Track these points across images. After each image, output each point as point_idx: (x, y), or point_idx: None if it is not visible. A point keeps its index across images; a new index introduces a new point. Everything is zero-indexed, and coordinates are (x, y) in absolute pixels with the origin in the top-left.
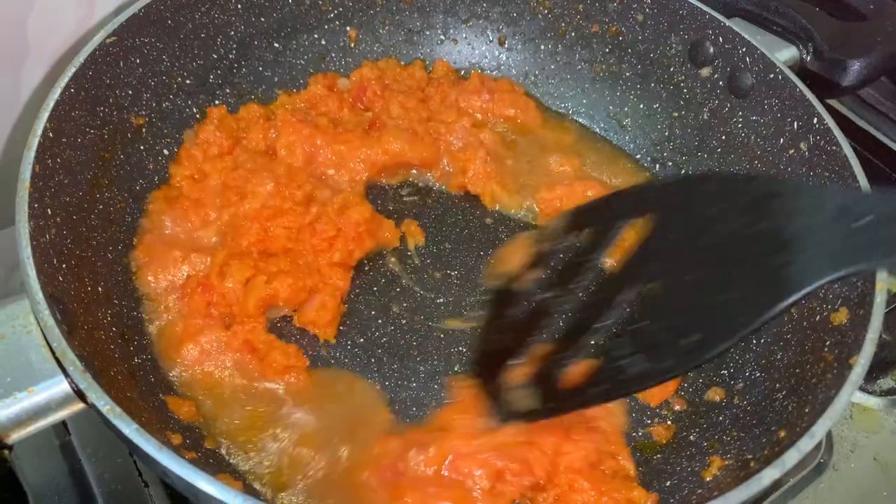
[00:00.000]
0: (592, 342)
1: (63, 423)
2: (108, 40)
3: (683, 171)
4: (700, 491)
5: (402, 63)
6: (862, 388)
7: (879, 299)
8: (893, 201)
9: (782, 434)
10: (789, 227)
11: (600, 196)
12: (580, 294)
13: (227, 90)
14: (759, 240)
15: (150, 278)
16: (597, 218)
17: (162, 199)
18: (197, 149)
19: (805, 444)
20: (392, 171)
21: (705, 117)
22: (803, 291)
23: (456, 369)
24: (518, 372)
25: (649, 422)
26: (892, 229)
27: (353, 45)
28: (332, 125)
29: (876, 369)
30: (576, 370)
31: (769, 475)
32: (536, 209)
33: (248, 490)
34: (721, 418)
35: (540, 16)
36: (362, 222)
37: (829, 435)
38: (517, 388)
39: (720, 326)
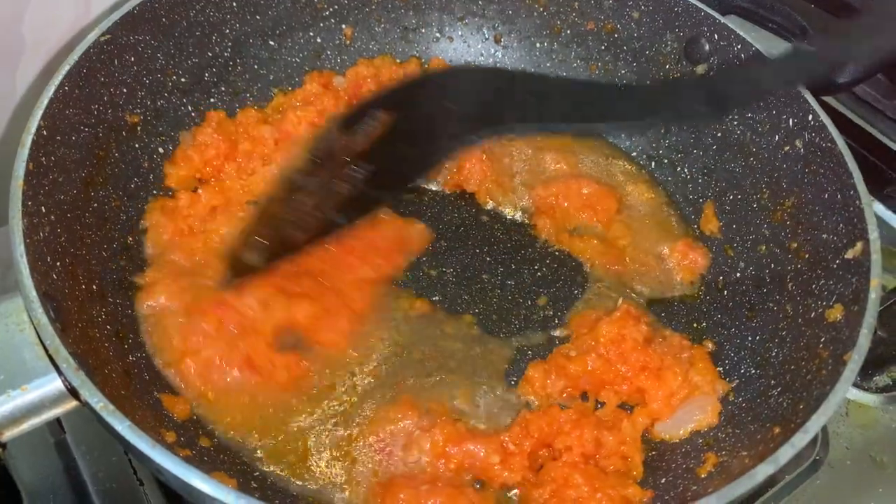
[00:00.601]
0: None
1: (58, 422)
2: (102, 38)
3: (679, 169)
4: (695, 488)
5: (398, 61)
6: (858, 385)
7: (874, 295)
8: None
9: (777, 430)
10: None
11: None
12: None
13: (223, 88)
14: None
15: (152, 303)
16: (353, 119)
17: (158, 210)
18: (194, 150)
19: (799, 440)
20: None
21: None
22: None
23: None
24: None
25: None
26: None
27: (348, 42)
28: None
29: (872, 366)
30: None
31: (763, 471)
32: (532, 207)
33: (244, 488)
34: None
35: (535, 13)
36: (393, 232)
37: (824, 432)
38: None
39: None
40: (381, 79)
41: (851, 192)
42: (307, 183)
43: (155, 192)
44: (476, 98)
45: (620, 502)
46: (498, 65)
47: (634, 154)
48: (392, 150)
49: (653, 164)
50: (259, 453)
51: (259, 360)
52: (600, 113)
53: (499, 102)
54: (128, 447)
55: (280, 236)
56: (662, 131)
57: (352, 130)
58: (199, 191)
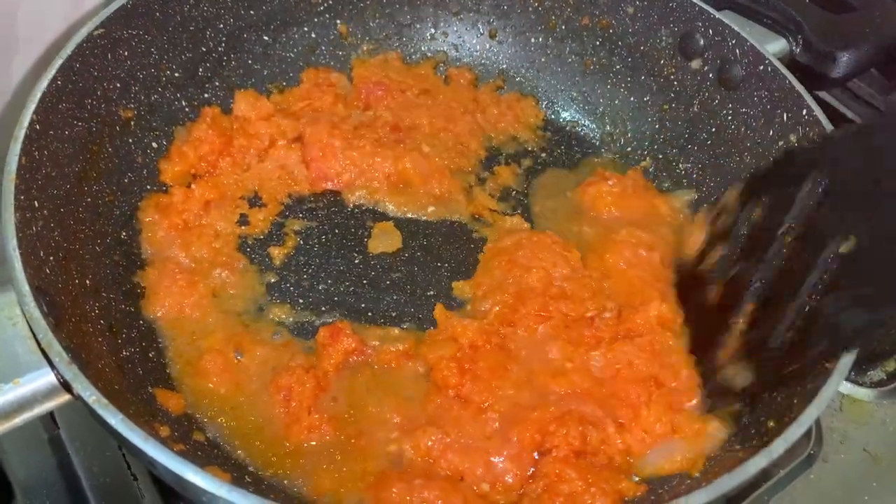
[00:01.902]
0: (801, 305)
1: (51, 417)
2: (95, 32)
3: (673, 164)
4: (689, 481)
5: (408, 62)
6: (852, 380)
7: None
8: None
9: (771, 424)
10: None
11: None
12: (774, 262)
13: (217, 83)
14: None
15: (159, 312)
16: (770, 183)
17: (153, 207)
18: (188, 146)
19: (792, 434)
20: None
21: (695, 110)
22: None
23: None
24: (726, 351)
25: None
26: None
27: (343, 38)
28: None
29: (866, 361)
30: (788, 337)
31: (756, 464)
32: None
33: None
34: None
35: (530, 9)
36: None
37: (819, 426)
38: (728, 365)
39: None
40: (389, 81)
41: None
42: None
43: (149, 186)
44: None
45: (614, 496)
46: (492, 60)
47: (629, 149)
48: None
49: (648, 158)
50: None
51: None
52: None
53: None
54: (121, 441)
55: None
56: (657, 126)
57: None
58: (193, 186)
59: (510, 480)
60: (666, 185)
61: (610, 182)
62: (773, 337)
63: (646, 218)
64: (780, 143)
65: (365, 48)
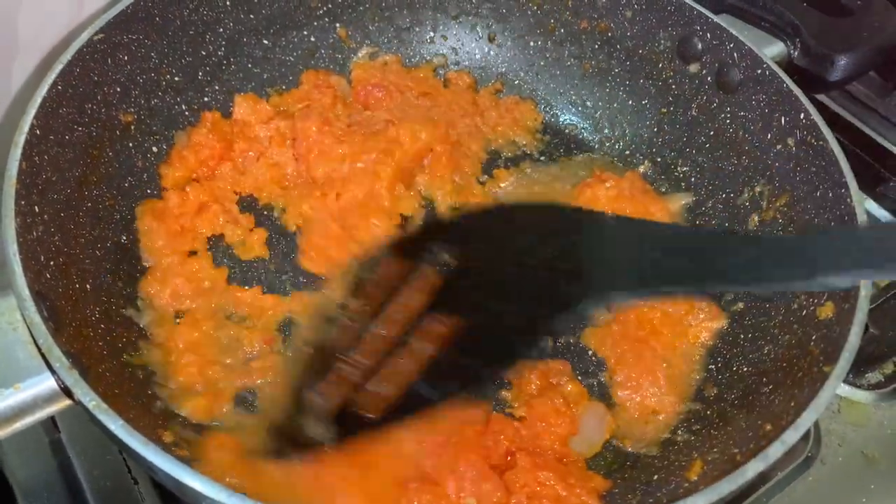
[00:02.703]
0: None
1: (52, 421)
2: (95, 37)
3: (672, 168)
4: (686, 485)
5: (407, 65)
6: (850, 383)
7: (864, 293)
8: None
9: (768, 427)
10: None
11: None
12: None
13: (217, 87)
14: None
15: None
16: (410, 248)
17: (149, 213)
18: (189, 151)
19: (790, 437)
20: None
21: (693, 113)
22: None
23: None
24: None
25: None
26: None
27: (342, 41)
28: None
29: (863, 363)
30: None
31: (754, 468)
32: None
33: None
34: (709, 412)
35: (529, 12)
36: None
37: (817, 429)
38: (313, 423)
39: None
40: (388, 83)
41: (843, 191)
42: (354, 335)
43: (149, 191)
44: (565, 246)
45: (593, 493)
46: (491, 63)
47: (628, 153)
48: (469, 308)
49: (646, 161)
50: None
51: None
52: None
53: (589, 255)
54: (121, 446)
55: (347, 399)
56: (655, 130)
57: (407, 261)
58: (188, 189)
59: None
60: (664, 188)
61: (607, 184)
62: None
63: None
64: (778, 146)
65: (364, 52)
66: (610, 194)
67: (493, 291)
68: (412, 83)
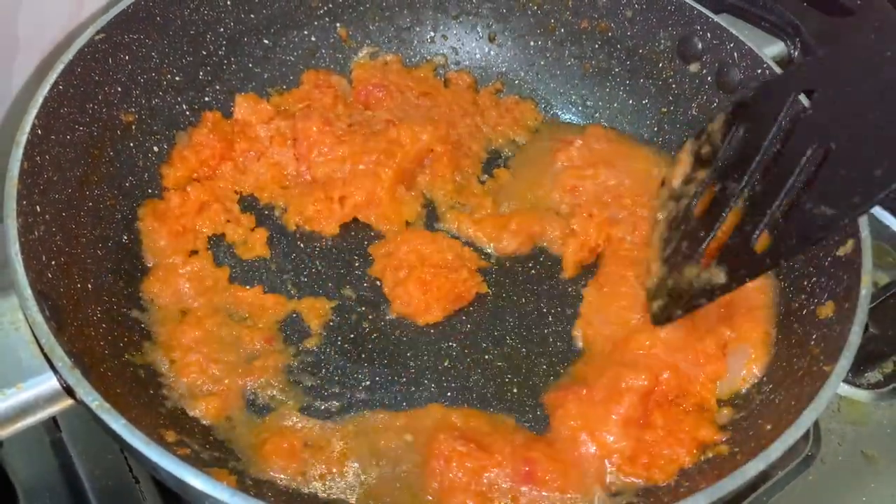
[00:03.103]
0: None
1: (54, 421)
2: (96, 37)
3: None
4: (687, 484)
5: (407, 65)
6: (849, 382)
7: (864, 292)
8: None
9: (769, 427)
10: None
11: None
12: (755, 176)
13: (217, 87)
14: None
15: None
16: (752, 110)
17: (151, 214)
18: (189, 151)
19: (790, 436)
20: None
21: (694, 113)
22: None
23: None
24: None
25: None
26: None
27: (343, 41)
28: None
29: (863, 362)
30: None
31: (754, 467)
32: None
33: (240, 485)
34: None
35: (529, 12)
36: None
37: (816, 428)
38: (701, 274)
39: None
40: (389, 83)
41: None
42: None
43: (150, 191)
44: None
45: (691, 444)
46: (491, 62)
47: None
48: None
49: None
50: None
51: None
52: None
53: None
54: (124, 445)
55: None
56: (655, 129)
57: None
58: (189, 189)
59: None
60: None
61: (577, 143)
62: (751, 239)
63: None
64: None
65: (365, 52)
66: (583, 154)
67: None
68: (413, 83)
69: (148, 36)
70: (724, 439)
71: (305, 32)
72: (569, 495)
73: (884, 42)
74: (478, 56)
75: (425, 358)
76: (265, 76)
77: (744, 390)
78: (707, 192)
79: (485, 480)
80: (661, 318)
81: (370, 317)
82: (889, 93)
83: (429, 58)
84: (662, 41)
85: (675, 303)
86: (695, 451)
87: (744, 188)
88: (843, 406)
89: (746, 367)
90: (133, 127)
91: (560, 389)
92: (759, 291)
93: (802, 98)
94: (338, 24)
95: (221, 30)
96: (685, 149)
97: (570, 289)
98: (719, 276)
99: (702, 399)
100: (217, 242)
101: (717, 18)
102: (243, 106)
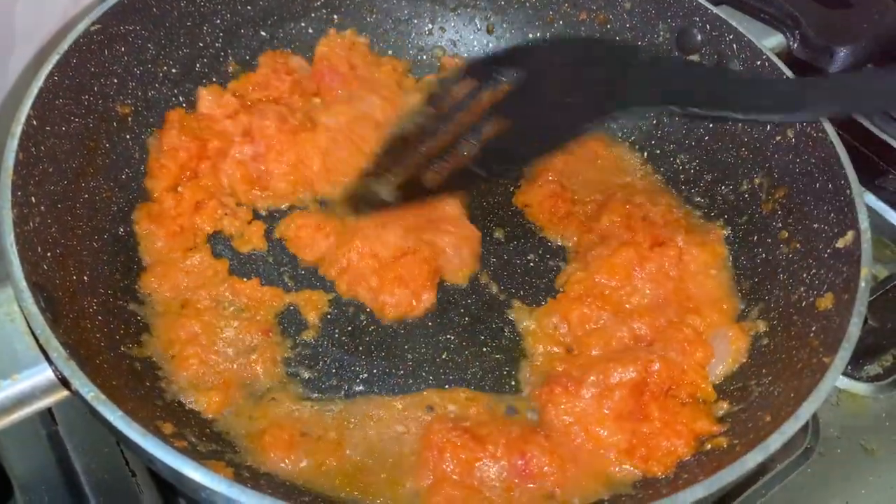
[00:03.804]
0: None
1: (50, 413)
2: (92, 28)
3: (671, 160)
4: (686, 475)
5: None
6: (848, 375)
7: (864, 285)
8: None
9: (768, 418)
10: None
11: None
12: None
13: (214, 79)
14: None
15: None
16: (480, 70)
17: (146, 218)
18: (167, 159)
19: (789, 428)
20: None
21: None
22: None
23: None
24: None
25: None
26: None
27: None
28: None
29: (862, 355)
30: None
31: (753, 458)
32: None
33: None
34: None
35: (528, 4)
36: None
37: (815, 421)
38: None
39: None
40: (352, 61)
41: (842, 182)
42: (427, 131)
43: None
44: (604, 73)
45: (688, 436)
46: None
47: (627, 145)
48: (521, 115)
49: (645, 154)
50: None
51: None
52: (727, 102)
53: (623, 79)
54: (119, 437)
55: (412, 175)
56: (654, 122)
57: (475, 83)
58: (181, 189)
59: None
60: (661, 178)
61: None
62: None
63: None
64: (777, 138)
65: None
66: None
67: (543, 103)
68: (382, 76)
69: (144, 27)
70: (721, 431)
71: (302, 24)
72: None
73: None
74: (476, 48)
75: (423, 350)
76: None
77: (736, 368)
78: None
79: (477, 473)
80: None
81: (367, 309)
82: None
83: (427, 50)
84: (661, 33)
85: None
86: (693, 443)
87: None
88: (842, 399)
89: (731, 346)
90: (129, 119)
91: (550, 384)
92: (715, 283)
93: None
94: (335, 16)
95: (218, 21)
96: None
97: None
98: (387, 193)
99: (696, 387)
100: (214, 235)
101: (716, 10)
102: (206, 99)
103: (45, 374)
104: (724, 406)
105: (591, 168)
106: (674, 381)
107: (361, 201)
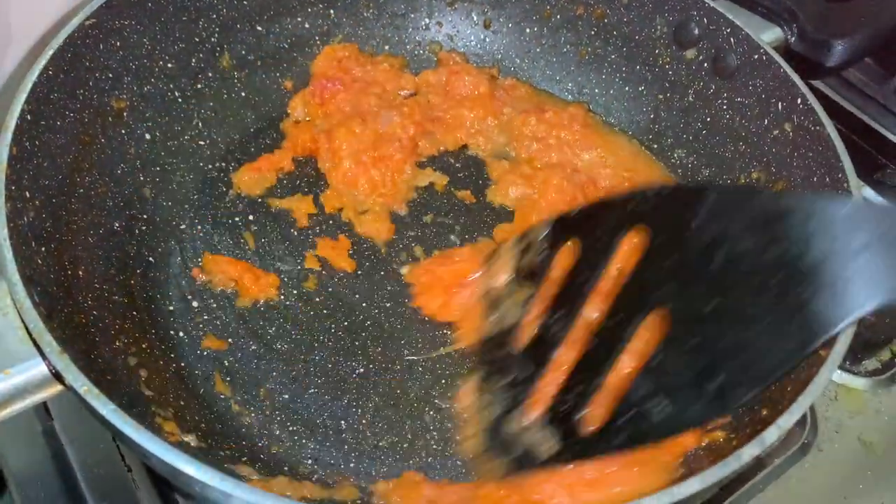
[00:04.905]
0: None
1: (45, 408)
2: (87, 22)
3: (669, 154)
4: (682, 469)
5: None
6: (847, 369)
7: None
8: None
9: (765, 413)
10: (806, 255)
11: (582, 206)
12: (580, 317)
13: (210, 74)
14: (775, 268)
15: None
16: (582, 229)
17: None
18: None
19: (785, 422)
20: None
21: (690, 99)
22: (835, 331)
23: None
24: (528, 412)
25: None
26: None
27: (336, 28)
28: None
29: (861, 350)
30: (594, 411)
31: (749, 452)
32: None
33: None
34: None
35: None
36: None
37: (813, 415)
38: (530, 430)
39: (746, 370)
40: (345, 66)
41: (840, 176)
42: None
43: (142, 177)
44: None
45: None
46: (487, 50)
47: (624, 139)
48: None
49: (643, 148)
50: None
51: None
52: None
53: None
54: (114, 431)
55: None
56: (652, 116)
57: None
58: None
59: None
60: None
61: (547, 115)
62: (577, 410)
63: None
64: (775, 132)
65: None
66: (553, 121)
67: (699, 287)
68: (380, 76)
69: (139, 22)
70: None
71: (299, 19)
72: None
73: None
74: (473, 43)
75: (419, 346)
76: (258, 63)
77: None
78: (531, 318)
79: None
80: (484, 473)
81: (363, 304)
82: (729, 277)
83: (424, 45)
84: (659, 27)
85: (500, 455)
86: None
87: (573, 332)
88: (840, 394)
89: None
90: (125, 114)
91: None
92: None
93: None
94: (332, 11)
95: (214, 16)
96: (507, 246)
97: None
98: (550, 443)
99: None
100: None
101: (713, 4)
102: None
103: (39, 369)
104: None
105: None
106: None
107: (521, 457)
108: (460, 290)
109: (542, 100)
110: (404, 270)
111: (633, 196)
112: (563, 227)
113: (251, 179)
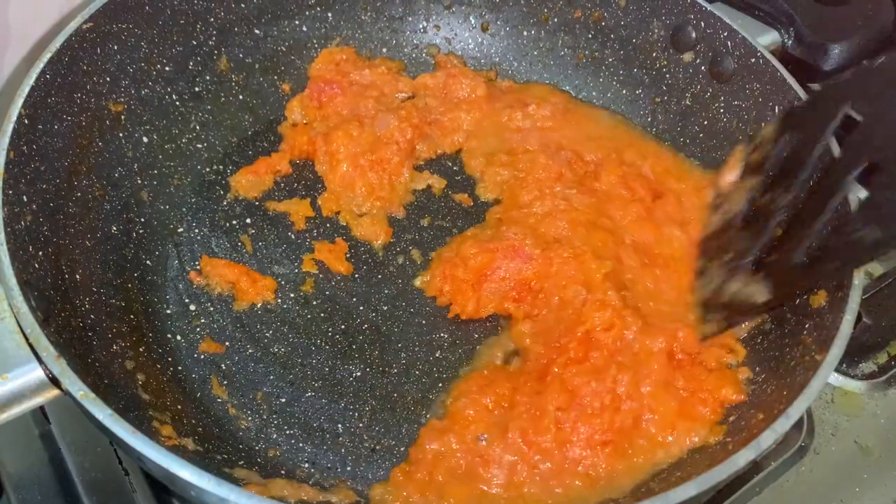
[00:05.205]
0: (823, 225)
1: (43, 412)
2: (84, 26)
3: None
4: (678, 473)
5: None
6: (843, 372)
7: (857, 282)
8: None
9: (760, 416)
10: None
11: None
12: (801, 188)
13: (208, 77)
14: None
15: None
16: (804, 118)
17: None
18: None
19: (780, 426)
20: None
21: (687, 102)
22: None
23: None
24: (744, 274)
25: None
26: None
27: (334, 31)
28: None
29: (857, 353)
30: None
31: (745, 456)
32: None
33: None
34: None
35: (523, 1)
36: None
37: (810, 418)
38: (746, 287)
39: None
40: (343, 69)
41: None
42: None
43: (139, 181)
44: None
45: (714, 403)
46: (485, 52)
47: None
48: None
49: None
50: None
51: None
52: None
53: None
54: (110, 436)
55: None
56: (649, 119)
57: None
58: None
59: None
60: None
61: (530, 108)
62: (795, 256)
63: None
64: None
65: (356, 42)
66: (542, 113)
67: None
68: (378, 80)
69: (137, 25)
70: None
71: (296, 22)
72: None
73: None
74: (471, 46)
75: (416, 349)
76: (256, 66)
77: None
78: (753, 202)
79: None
80: (705, 332)
81: (360, 307)
82: None
83: (421, 48)
84: (656, 30)
85: (716, 316)
86: (719, 410)
87: (789, 201)
88: (837, 397)
89: None
90: (122, 117)
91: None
92: None
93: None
94: (329, 14)
95: (211, 19)
96: (735, 154)
97: None
98: (761, 293)
99: (724, 342)
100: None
101: (710, 7)
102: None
103: (36, 373)
104: (745, 372)
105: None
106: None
107: (736, 311)
108: (487, 282)
109: (525, 95)
110: (417, 282)
111: (841, 80)
112: (786, 122)
113: (248, 183)
